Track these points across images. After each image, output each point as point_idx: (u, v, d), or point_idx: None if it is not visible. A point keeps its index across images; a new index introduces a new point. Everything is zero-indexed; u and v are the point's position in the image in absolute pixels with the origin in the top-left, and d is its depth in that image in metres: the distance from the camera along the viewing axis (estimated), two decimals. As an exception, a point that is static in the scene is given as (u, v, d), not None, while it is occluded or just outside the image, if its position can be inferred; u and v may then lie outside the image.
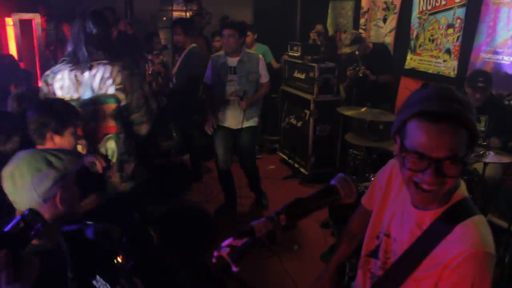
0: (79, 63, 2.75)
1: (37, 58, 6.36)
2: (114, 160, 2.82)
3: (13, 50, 6.40)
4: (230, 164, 4.70)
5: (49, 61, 6.23)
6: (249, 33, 6.39)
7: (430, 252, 1.33)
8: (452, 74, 5.11)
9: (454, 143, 1.23)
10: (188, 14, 9.00)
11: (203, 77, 4.68)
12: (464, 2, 4.92)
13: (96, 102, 2.76)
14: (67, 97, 2.76)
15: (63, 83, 2.77)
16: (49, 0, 6.81)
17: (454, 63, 5.10)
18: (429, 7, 5.43)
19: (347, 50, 5.11)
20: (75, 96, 2.78)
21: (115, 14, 6.71)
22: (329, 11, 7.59)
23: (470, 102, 1.29)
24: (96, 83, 2.74)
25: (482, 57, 4.74)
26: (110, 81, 2.74)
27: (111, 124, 2.81)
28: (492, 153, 3.57)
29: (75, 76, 2.75)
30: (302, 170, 5.72)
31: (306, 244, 4.28)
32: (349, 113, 4.32)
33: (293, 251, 4.14)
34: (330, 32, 7.58)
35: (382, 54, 5.37)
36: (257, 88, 4.48)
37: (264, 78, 4.48)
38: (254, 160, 4.81)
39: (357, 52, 4.91)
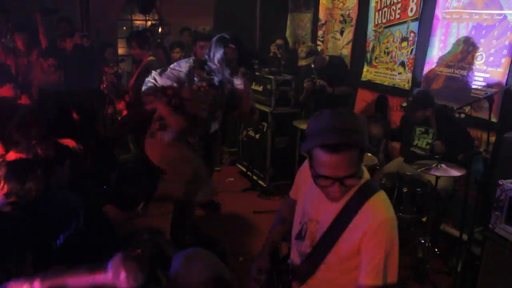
0: None
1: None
2: None
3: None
4: None
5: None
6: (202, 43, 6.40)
7: (347, 225, 1.72)
8: (407, 86, 5.21)
9: (351, 165, 1.63)
10: (148, 23, 8.93)
11: None
12: (417, 16, 5.03)
13: None
14: None
15: None
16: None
17: (409, 75, 5.20)
18: (384, 20, 5.53)
19: (303, 62, 5.16)
20: None
21: (72, 24, 6.60)
22: (288, 22, 7.64)
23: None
24: None
25: (434, 70, 4.85)
26: None
27: None
28: (444, 165, 3.66)
29: None
30: (261, 182, 5.72)
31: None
32: (305, 126, 4.33)
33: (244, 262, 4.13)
34: (289, 43, 7.63)
35: (338, 66, 5.44)
36: None
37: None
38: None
39: (313, 65, 4.95)
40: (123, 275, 1.10)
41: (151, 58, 5.20)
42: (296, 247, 1.94)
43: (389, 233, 1.69)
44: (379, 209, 1.71)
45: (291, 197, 2.17)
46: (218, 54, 3.56)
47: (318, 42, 6.66)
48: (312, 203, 1.88)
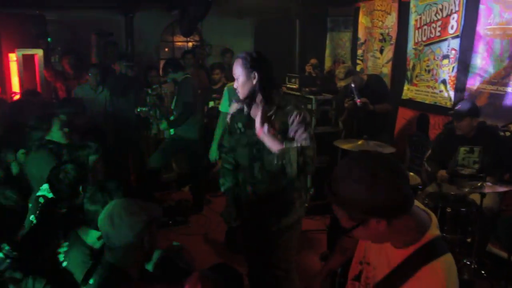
0: None
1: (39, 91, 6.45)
2: None
3: (15, 85, 6.50)
4: None
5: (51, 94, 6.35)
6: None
7: (400, 286, 1.49)
8: (449, 104, 5.14)
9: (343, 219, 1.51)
10: (190, 44, 9.16)
11: (195, 104, 4.75)
12: (458, 33, 4.99)
13: None
14: None
15: None
16: (53, 33, 6.96)
17: (450, 93, 5.14)
18: (424, 38, 5.50)
19: (342, 83, 5.17)
20: None
21: (118, 47, 6.86)
22: (327, 42, 7.69)
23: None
24: None
25: (477, 87, 4.78)
26: None
27: None
28: (489, 184, 3.59)
29: None
30: (302, 201, 5.72)
31: (306, 276, 4.25)
32: (345, 146, 4.33)
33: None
34: (329, 63, 7.68)
35: (377, 84, 5.42)
36: None
37: None
38: None
39: (353, 84, 4.97)
40: None
41: (186, 76, 5.35)
42: (351, 286, 1.81)
43: None
44: (438, 278, 1.45)
45: None
46: None
47: (358, 61, 6.67)
48: (373, 248, 1.69)
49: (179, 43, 9.39)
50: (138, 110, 5.35)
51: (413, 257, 1.49)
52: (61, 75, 6.23)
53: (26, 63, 6.35)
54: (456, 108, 4.17)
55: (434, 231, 1.54)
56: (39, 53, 6.42)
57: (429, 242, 1.50)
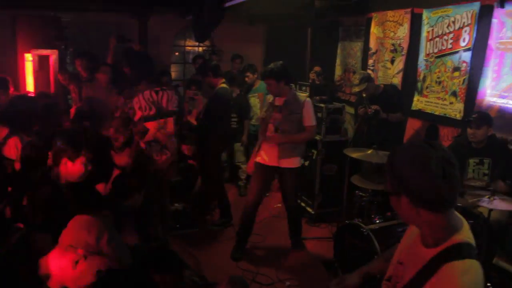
0: None
1: (52, 91, 6.53)
2: None
3: (30, 84, 6.60)
4: (259, 198, 4.77)
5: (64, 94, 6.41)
6: (248, 73, 6.62)
7: (424, 285, 1.54)
8: (458, 116, 5.16)
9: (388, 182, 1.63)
10: (200, 49, 9.23)
11: (222, 117, 4.91)
12: (469, 46, 5.02)
13: None
14: None
15: None
16: (68, 34, 7.04)
17: (460, 105, 5.16)
18: (435, 50, 5.53)
19: (356, 89, 5.24)
20: None
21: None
22: (339, 51, 7.73)
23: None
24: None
25: (487, 100, 4.79)
26: None
27: None
28: (497, 198, 3.60)
29: None
30: (309, 209, 5.76)
31: (311, 283, 4.29)
32: (355, 155, 4.37)
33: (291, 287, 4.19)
34: (339, 71, 7.71)
35: (393, 93, 5.49)
36: (298, 131, 4.53)
37: (308, 121, 4.51)
38: (294, 201, 4.87)
39: (364, 94, 5.00)
40: None
41: (222, 85, 5.39)
42: (384, 287, 1.85)
43: None
44: (453, 278, 1.48)
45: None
46: None
47: (369, 71, 6.70)
48: (407, 248, 1.78)
49: (189, 48, 9.47)
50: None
51: (438, 256, 1.55)
52: (75, 77, 6.29)
53: (41, 64, 6.45)
54: (474, 116, 4.22)
55: (463, 235, 1.59)
56: (54, 54, 6.51)
57: (456, 244, 1.55)
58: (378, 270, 2.14)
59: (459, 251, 1.53)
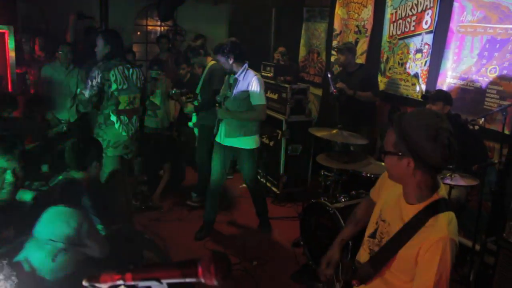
0: None
1: (8, 72, 6.26)
2: None
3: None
4: (220, 177, 4.71)
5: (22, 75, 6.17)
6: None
7: (411, 237, 1.77)
8: (420, 97, 5.27)
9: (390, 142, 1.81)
10: (162, 29, 9.07)
11: (218, 91, 4.81)
12: (431, 29, 5.12)
13: None
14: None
15: None
16: (22, 11, 6.74)
17: (422, 87, 5.28)
18: (398, 32, 5.62)
19: (340, 57, 5.47)
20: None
21: (96, 32, 6.69)
22: (303, 32, 7.74)
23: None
24: None
25: (448, 82, 4.92)
26: None
27: None
28: (457, 175, 3.72)
29: None
30: (274, 189, 5.80)
31: (278, 263, 4.33)
32: (319, 134, 4.41)
33: (258, 266, 4.24)
34: (303, 52, 7.73)
35: (367, 73, 5.52)
36: (247, 110, 4.45)
37: (255, 100, 4.39)
38: (252, 182, 4.80)
39: (329, 74, 5.05)
40: (213, 272, 1.19)
41: (213, 62, 5.28)
42: (368, 244, 2.02)
43: (445, 252, 1.69)
44: (441, 226, 1.73)
45: (372, 197, 2.26)
46: None
47: (333, 52, 6.75)
48: (389, 205, 1.97)
49: (152, 27, 9.28)
50: (173, 91, 5.42)
51: (423, 211, 1.79)
52: (31, 57, 6.04)
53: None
54: (432, 93, 4.31)
55: (442, 192, 1.84)
56: (9, 30, 6.20)
57: (438, 200, 1.81)
58: (350, 235, 2.33)
59: (442, 205, 1.79)
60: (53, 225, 1.97)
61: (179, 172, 5.96)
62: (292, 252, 4.50)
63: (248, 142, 4.53)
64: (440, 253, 1.68)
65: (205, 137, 5.19)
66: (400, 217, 1.86)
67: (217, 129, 4.61)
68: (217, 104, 4.56)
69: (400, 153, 1.75)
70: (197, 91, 5.36)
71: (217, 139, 4.61)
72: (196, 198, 5.51)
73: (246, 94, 4.37)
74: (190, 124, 5.71)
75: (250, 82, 4.35)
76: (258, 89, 4.37)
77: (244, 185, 5.62)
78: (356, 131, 4.57)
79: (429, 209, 1.78)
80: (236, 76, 4.41)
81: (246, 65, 4.43)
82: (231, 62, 4.36)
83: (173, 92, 5.44)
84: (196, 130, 5.69)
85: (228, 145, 4.53)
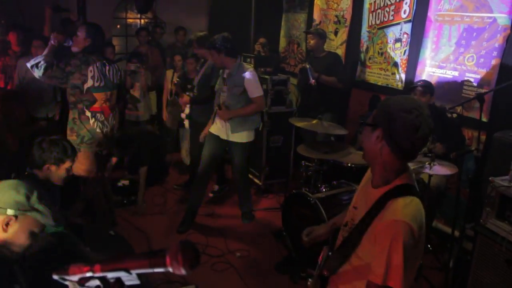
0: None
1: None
2: None
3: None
4: (208, 171, 4.73)
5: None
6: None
7: (373, 220, 1.76)
8: (400, 86, 5.32)
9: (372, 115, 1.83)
10: (143, 21, 8.97)
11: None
12: (410, 18, 5.14)
13: None
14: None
15: None
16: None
17: (402, 76, 5.31)
18: (377, 22, 5.63)
19: (310, 42, 5.51)
20: None
21: (74, 25, 6.58)
22: (283, 23, 7.73)
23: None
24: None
25: (427, 71, 4.96)
26: None
27: None
28: (437, 163, 3.76)
29: None
30: (256, 180, 5.81)
31: (262, 254, 4.35)
32: (300, 124, 4.42)
33: (241, 258, 4.25)
34: (284, 43, 7.72)
35: (332, 60, 5.53)
36: (246, 103, 4.46)
37: (253, 93, 4.41)
38: (241, 174, 4.82)
39: (308, 66, 5.04)
40: (180, 261, 1.18)
41: None
42: (342, 232, 2.02)
43: (396, 235, 1.65)
44: (396, 209, 1.71)
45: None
46: None
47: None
48: (359, 192, 2.01)
49: (131, 20, 9.17)
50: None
51: (384, 195, 1.78)
52: (6, 52, 5.90)
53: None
54: (420, 84, 4.34)
55: (408, 178, 1.82)
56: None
57: (401, 184, 1.79)
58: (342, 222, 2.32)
59: (403, 190, 1.77)
60: (1, 194, 1.89)
61: (161, 165, 5.93)
62: (275, 242, 4.52)
63: (246, 136, 4.59)
64: (390, 236, 1.66)
65: (198, 133, 5.16)
66: (366, 202, 1.85)
67: (213, 121, 4.63)
68: (216, 106, 4.57)
69: (374, 124, 1.78)
70: (194, 83, 5.32)
71: (213, 131, 4.63)
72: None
73: (242, 89, 4.40)
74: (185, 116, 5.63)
75: (245, 76, 4.38)
76: (254, 82, 4.42)
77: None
78: (319, 114, 4.56)
79: (390, 193, 1.77)
80: (230, 71, 4.41)
81: (239, 59, 4.45)
82: (222, 57, 4.35)
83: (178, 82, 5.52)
84: (186, 123, 5.62)
85: (225, 138, 4.54)
